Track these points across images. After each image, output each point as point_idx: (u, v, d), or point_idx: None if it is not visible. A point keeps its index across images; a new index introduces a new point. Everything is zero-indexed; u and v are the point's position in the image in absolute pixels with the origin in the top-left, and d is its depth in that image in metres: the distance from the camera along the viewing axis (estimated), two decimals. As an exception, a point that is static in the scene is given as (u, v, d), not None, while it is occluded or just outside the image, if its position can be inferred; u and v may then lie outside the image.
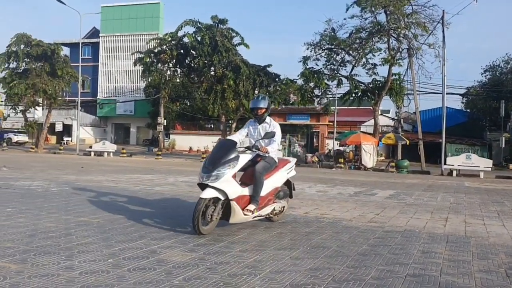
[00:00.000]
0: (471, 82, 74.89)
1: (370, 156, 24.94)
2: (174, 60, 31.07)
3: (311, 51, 27.94)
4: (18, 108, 35.39)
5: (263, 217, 5.90)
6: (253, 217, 5.54)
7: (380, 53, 26.87)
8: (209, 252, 4.47)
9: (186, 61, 31.44)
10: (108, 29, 53.39)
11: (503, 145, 33.89)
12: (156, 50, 30.91)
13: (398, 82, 27.30)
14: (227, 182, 5.09)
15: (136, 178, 13.02)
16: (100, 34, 54.31)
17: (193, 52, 30.18)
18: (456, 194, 12.21)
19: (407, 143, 28.15)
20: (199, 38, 29.58)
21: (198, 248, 4.61)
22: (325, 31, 27.72)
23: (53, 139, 50.43)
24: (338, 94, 31.90)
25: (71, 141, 47.56)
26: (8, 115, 43.05)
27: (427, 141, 32.12)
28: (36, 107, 36.39)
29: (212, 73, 30.56)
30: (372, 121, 31.31)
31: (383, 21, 26.01)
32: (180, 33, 30.12)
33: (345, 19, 41.31)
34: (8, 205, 6.99)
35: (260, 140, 5.75)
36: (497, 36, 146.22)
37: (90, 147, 32.34)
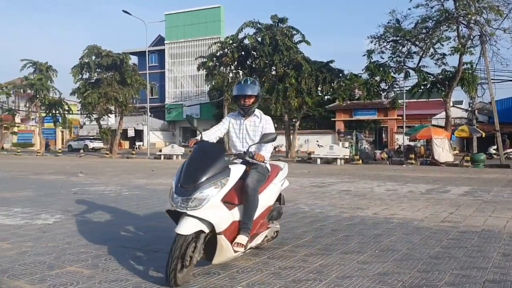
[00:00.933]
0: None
1: (442, 150, 23.73)
2: (236, 62, 31.47)
3: (375, 44, 27.10)
4: (92, 116, 37.52)
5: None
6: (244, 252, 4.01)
7: (449, 42, 25.48)
8: (273, 257, 4.41)
9: (247, 62, 31.73)
10: (172, 36, 55.17)
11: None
12: (218, 54, 31.49)
13: (470, 71, 25.75)
14: (215, 209, 3.53)
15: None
16: (165, 42, 56.24)
17: (254, 53, 30.40)
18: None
19: (483, 135, 26.52)
20: (259, 39, 29.73)
21: (262, 252, 4.56)
22: (389, 22, 26.76)
23: (126, 144, 52.98)
24: (406, 87, 30.69)
25: (143, 145, 49.64)
26: (84, 123, 45.78)
27: (506, 132, 30.07)
28: (109, 114, 38.34)
29: (274, 72, 30.60)
30: (443, 114, 29.82)
31: (451, 8, 24.64)
32: (240, 35, 30.48)
33: (409, 9, 39.22)
34: (82, 211, 7.35)
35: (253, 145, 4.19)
36: None
37: (160, 151, 33.53)
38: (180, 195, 3.50)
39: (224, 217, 3.62)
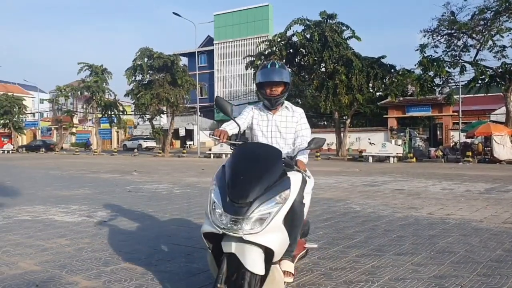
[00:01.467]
0: None
1: (503, 147, 22.57)
2: (284, 60, 31.34)
3: (428, 38, 26.23)
4: (146, 116, 38.68)
5: None
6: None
7: (510, 34, 24.22)
8: (324, 257, 4.34)
9: (296, 59, 31.55)
10: (221, 36, 55.83)
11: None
12: (266, 52, 31.50)
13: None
14: (276, 232, 2.70)
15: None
16: (214, 42, 57.01)
17: (303, 50, 30.18)
18: None
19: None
20: (308, 36, 29.50)
21: (312, 252, 4.49)
22: (443, 15, 25.81)
23: (177, 144, 54.24)
24: (461, 82, 29.43)
25: (193, 144, 50.62)
26: (138, 124, 47.30)
27: None
28: (161, 115, 39.40)
29: (323, 69, 30.24)
30: (503, 109, 28.35)
31: (512, -4, 23.38)
32: (289, 33, 30.36)
33: (465, 0, 37.60)
34: (136, 209, 7.57)
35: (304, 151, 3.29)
36: None
37: (210, 150, 34.04)
38: (230, 213, 2.61)
39: (284, 242, 2.80)
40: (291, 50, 30.67)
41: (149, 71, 36.11)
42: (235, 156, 2.97)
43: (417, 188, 10.64)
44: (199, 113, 41.58)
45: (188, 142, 51.76)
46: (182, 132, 49.70)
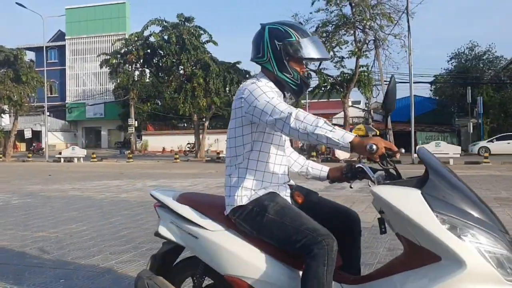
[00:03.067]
0: (438, 70, 76.39)
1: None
2: (142, 60, 30.66)
3: (278, 46, 27.92)
4: (-18, 116, 34.36)
5: None
6: None
7: (347, 46, 27.05)
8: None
9: (154, 60, 31.05)
10: (73, 31, 52.29)
11: (471, 131, 34.68)
12: (122, 51, 30.44)
13: (366, 73, 27.57)
14: None
15: (103, 185, 12.74)
16: (66, 37, 53.18)
17: (161, 52, 29.81)
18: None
19: (377, 133, 28.46)
20: (166, 37, 29.25)
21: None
22: (292, 26, 27.73)
23: (22, 147, 49.20)
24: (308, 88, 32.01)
25: (42, 148, 46.49)
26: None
27: (398, 130, 32.56)
28: (2, 114, 35.39)
29: (181, 71, 30.28)
30: (342, 113, 31.59)
31: (348, 13, 26.17)
32: (146, 33, 29.77)
33: (311, 13, 40.83)
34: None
35: None
36: (461, 24, 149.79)
37: (60, 153, 31.61)
38: None
39: None
40: (148, 51, 30.05)
41: (-13, 66, 32.19)
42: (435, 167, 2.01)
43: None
44: (47, 113, 38.25)
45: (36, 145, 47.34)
46: (28, 134, 45.17)
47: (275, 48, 2.23)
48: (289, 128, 1.99)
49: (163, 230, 2.44)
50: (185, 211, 2.38)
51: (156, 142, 45.06)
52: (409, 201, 1.87)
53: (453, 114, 40.75)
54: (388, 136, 25.73)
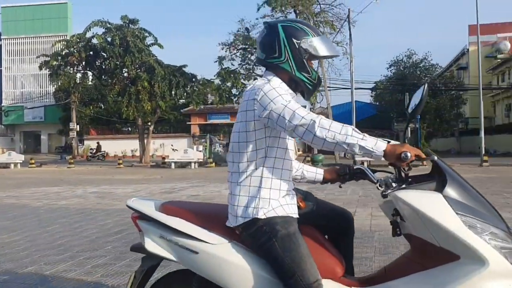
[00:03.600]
0: (379, 76, 79.47)
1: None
2: (84, 63, 29.75)
3: (226, 51, 28.09)
4: None
5: None
6: None
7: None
8: (108, 274, 4.28)
9: (97, 63, 30.23)
10: (10, 31, 49.88)
11: (409, 135, 36.27)
12: (63, 53, 29.39)
13: (310, 79, 28.21)
14: None
15: (41, 192, 12.23)
16: (2, 37, 50.57)
17: (104, 54, 29.08)
18: (365, 185, 12.79)
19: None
20: (109, 39, 28.57)
21: (95, 269, 4.39)
22: (238, 31, 28.02)
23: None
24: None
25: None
26: None
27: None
28: None
29: (125, 74, 29.66)
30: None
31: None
32: (88, 34, 28.94)
33: (257, 18, 41.17)
34: None
35: None
36: (400, 32, 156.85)
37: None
38: None
39: None
40: (91, 53, 29.20)
41: None
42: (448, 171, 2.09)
43: (211, 193, 11.26)
44: (-20, 117, 36.18)
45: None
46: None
47: (294, 47, 2.12)
48: (313, 137, 1.90)
49: (151, 246, 2.22)
50: (179, 224, 2.17)
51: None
52: (433, 205, 1.92)
53: (392, 119, 42.45)
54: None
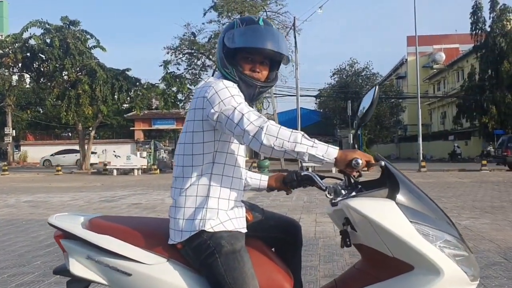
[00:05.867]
0: (323, 84, 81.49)
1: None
2: (20, 64, 28.29)
3: (171, 55, 27.63)
4: None
5: None
6: None
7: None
8: (33, 291, 3.97)
9: (35, 65, 28.83)
10: None
11: (351, 141, 37.25)
12: (-3, 54, 27.82)
13: (257, 85, 28.35)
14: None
15: (-32, 202, 11.40)
16: None
17: (42, 56, 27.78)
18: (310, 191, 12.95)
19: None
20: (48, 40, 27.34)
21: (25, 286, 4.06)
22: (184, 35, 27.64)
23: None
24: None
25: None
26: None
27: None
28: None
29: (65, 77, 28.49)
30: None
31: (239, 26, 26.74)
32: (26, 35, 27.60)
33: (203, 23, 40.92)
34: None
35: None
36: (344, 41, 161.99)
37: None
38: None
39: None
40: (28, 54, 27.80)
41: None
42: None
43: (154, 201, 10.94)
44: None
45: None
46: None
47: (220, 41, 1.99)
48: (260, 145, 1.73)
49: (77, 269, 1.98)
50: (109, 243, 1.96)
51: (36, 153, 41.72)
52: (387, 213, 1.80)
53: (335, 126, 43.58)
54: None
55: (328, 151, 1.75)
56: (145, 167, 25.08)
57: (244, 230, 1.99)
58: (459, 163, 31.69)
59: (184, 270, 1.94)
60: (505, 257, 4.87)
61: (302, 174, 2.14)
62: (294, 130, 1.76)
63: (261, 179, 2.35)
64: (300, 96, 29.36)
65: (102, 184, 17.55)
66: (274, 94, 27.83)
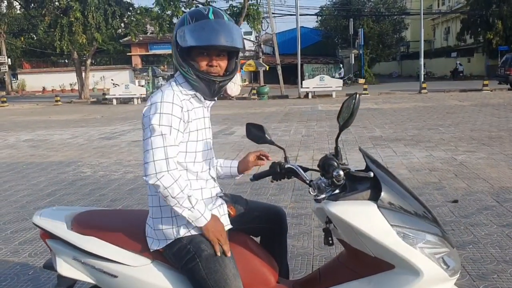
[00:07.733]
0: (324, 1, 78.35)
1: (234, 85, 25.12)
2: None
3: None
4: None
5: None
6: None
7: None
8: (37, 253, 4.10)
9: (22, -10, 27.62)
10: None
11: (353, 62, 36.66)
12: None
13: (255, 7, 27.27)
14: None
15: (-31, 143, 11.48)
16: None
17: (30, -20, 26.50)
18: (309, 122, 12.97)
19: (267, 69, 28.89)
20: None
21: (23, 247, 4.19)
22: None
23: None
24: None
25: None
26: None
27: (286, 63, 33.34)
28: None
29: (56, 3, 27.34)
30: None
31: None
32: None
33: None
34: None
35: None
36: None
37: None
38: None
39: None
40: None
41: None
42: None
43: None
44: None
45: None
46: None
47: (174, 39, 1.98)
48: (149, 184, 1.85)
49: (64, 270, 2.03)
50: (94, 246, 1.98)
51: (34, 81, 41.37)
52: (368, 219, 1.82)
53: (336, 46, 42.51)
54: (277, 70, 26.33)
55: (199, 220, 1.87)
56: (144, 95, 24.89)
57: (228, 227, 2.01)
58: (461, 81, 31.35)
59: (169, 271, 1.98)
60: (497, 200, 4.94)
61: (286, 166, 2.11)
62: (184, 192, 1.84)
63: (231, 166, 2.33)
64: (300, 15, 28.35)
65: (101, 116, 17.54)
66: (273, 14, 26.86)
